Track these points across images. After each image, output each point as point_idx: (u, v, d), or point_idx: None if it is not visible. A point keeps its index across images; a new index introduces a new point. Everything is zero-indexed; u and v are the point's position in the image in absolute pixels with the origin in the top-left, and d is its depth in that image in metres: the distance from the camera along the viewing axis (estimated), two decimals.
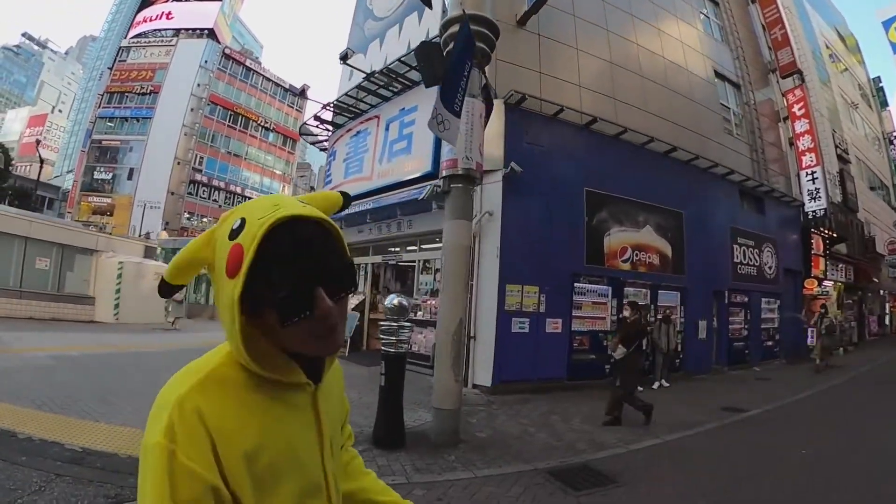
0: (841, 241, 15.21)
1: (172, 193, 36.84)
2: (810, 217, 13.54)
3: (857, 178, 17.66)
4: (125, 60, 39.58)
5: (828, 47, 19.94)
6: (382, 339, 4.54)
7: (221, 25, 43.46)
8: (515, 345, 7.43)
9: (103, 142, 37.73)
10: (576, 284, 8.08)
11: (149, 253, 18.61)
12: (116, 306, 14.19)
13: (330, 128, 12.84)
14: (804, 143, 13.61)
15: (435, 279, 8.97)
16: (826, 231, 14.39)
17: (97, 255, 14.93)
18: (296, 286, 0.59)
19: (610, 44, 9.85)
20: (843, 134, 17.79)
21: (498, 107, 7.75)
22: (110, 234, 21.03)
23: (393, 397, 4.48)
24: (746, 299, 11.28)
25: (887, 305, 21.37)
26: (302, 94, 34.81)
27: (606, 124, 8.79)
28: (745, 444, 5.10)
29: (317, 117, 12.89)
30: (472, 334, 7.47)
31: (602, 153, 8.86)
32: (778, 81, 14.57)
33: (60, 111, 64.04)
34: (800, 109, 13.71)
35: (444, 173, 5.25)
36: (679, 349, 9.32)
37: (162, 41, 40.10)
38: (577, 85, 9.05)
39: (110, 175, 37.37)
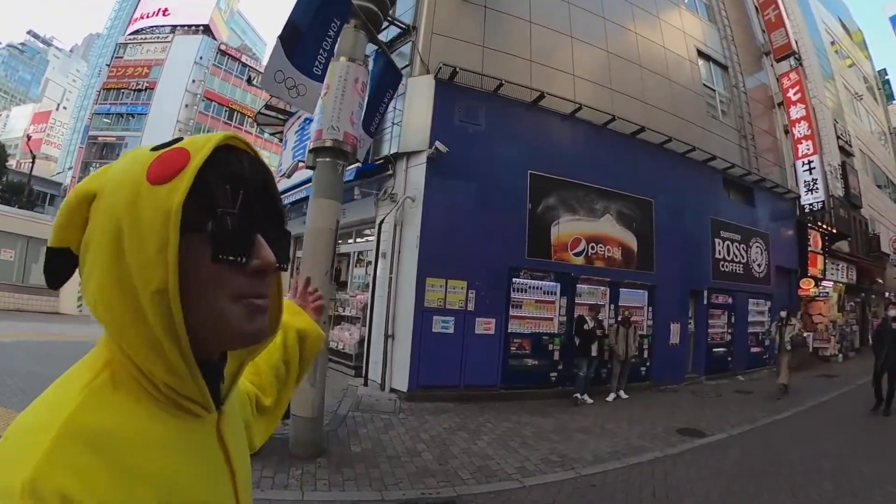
0: (842, 237, 13.92)
1: None
2: (807, 210, 12.31)
3: (861, 173, 16.30)
4: (122, 57, 39.62)
5: (833, 43, 18.61)
6: None
7: (217, 22, 43.30)
8: (437, 346, 6.54)
9: (99, 138, 37.82)
10: (514, 280, 7.10)
11: None
12: (79, 299, 14.46)
13: (284, 116, 12.09)
14: (800, 130, 12.40)
15: (366, 272, 8.12)
16: (825, 226, 13.13)
17: None
18: (240, 220, 0.46)
19: (571, 16, 8.86)
20: (847, 126, 16.46)
21: (426, 82, 7.07)
22: None
23: None
24: (730, 300, 10.15)
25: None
26: (249, 81, 34.05)
27: (561, 102, 7.84)
28: (683, 487, 3.96)
29: (269, 105, 12.15)
30: (390, 332, 6.71)
31: (553, 133, 7.90)
32: (772, 65, 13.35)
33: (65, 108, 64.06)
34: (795, 94, 12.50)
35: (310, 146, 4.53)
36: (646, 355, 8.30)
37: (158, 38, 40.02)
38: (527, 60, 8.09)
39: None
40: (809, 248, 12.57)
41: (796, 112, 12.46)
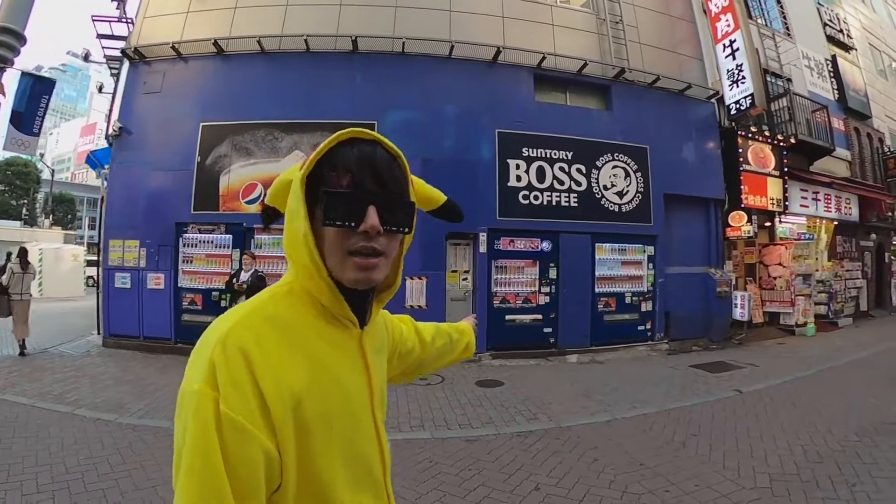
0: (823, 153, 9.45)
1: None
2: (733, 112, 8.63)
3: (868, 73, 10.60)
4: None
5: None
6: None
7: None
8: (120, 300, 7.32)
9: None
10: (184, 236, 7.24)
11: (68, 240, 23.10)
12: (40, 284, 16.25)
13: None
14: (717, 2, 8.60)
15: None
16: (780, 138, 9.10)
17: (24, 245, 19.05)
18: (350, 193, 0.60)
19: None
20: (842, 13, 10.93)
21: (125, 70, 7.87)
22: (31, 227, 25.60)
23: None
24: (547, 246, 7.89)
25: None
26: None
27: (248, 41, 7.42)
28: None
29: None
30: (98, 289, 7.92)
31: (236, 76, 7.63)
32: None
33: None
34: None
35: None
36: None
37: None
38: (231, 8, 7.77)
39: None
40: (744, 168, 8.88)
41: None
